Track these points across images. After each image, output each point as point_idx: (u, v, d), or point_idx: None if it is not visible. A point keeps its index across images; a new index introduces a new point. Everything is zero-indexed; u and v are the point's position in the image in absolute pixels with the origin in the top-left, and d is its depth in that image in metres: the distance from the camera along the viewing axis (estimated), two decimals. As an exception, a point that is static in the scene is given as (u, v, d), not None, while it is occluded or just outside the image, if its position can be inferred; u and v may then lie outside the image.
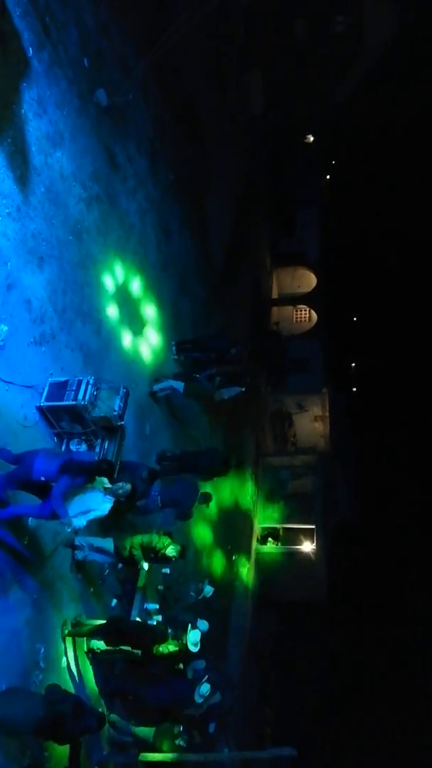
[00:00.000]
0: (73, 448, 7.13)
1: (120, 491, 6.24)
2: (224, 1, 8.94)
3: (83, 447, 7.15)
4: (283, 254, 29.26)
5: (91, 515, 6.04)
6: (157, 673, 8.19)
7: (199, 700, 8.64)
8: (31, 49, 7.15)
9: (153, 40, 9.61)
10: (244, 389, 11.90)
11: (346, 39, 22.98)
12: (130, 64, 10.16)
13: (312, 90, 24.58)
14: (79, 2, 8.49)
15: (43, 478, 5.59)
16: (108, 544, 7.50)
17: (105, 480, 6.65)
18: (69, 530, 6.55)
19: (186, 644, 8.02)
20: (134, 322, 10.07)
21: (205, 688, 8.55)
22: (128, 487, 6.37)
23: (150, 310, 10.68)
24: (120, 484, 6.27)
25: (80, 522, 6.06)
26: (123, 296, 9.62)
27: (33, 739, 5.99)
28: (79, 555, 7.43)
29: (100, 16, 9.19)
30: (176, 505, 8.95)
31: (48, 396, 6.84)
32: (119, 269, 9.50)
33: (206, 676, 8.71)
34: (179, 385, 10.65)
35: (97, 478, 6.15)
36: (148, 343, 10.56)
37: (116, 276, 9.36)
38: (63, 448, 7.14)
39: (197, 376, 10.88)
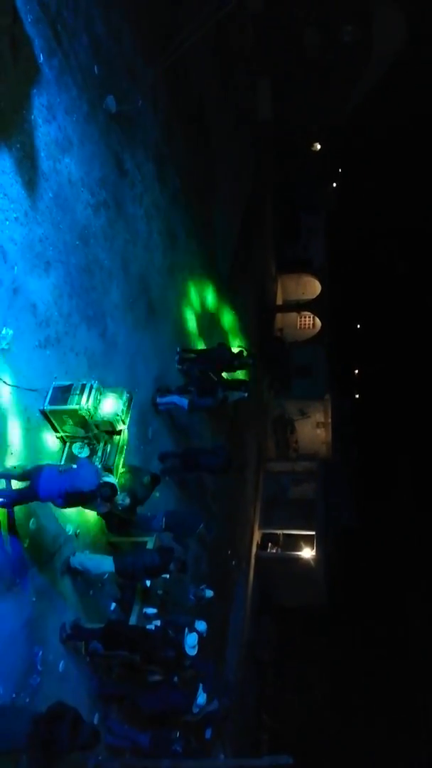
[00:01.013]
0: (75, 451, 7.17)
1: (119, 507, 6.30)
2: (235, 9, 9.00)
3: (86, 451, 7.19)
4: (288, 261, 29.33)
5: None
6: (155, 679, 8.17)
7: (195, 710, 8.63)
8: (42, 55, 7.23)
9: (163, 48, 9.69)
10: (246, 394, 11.93)
11: (354, 48, 23.08)
12: (139, 72, 10.24)
13: (320, 98, 24.67)
14: (90, 10, 8.57)
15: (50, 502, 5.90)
16: (107, 562, 7.46)
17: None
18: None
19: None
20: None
21: (201, 697, 8.54)
22: (128, 501, 6.43)
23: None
24: (121, 495, 6.32)
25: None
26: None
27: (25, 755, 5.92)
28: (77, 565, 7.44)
29: (111, 24, 9.27)
30: (178, 531, 8.97)
31: (51, 399, 6.88)
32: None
33: (202, 685, 8.70)
34: (183, 402, 10.64)
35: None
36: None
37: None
38: (65, 452, 7.17)
39: (199, 402, 10.84)
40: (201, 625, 8.54)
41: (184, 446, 11.73)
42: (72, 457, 7.14)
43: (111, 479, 6.41)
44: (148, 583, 8.17)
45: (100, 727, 7.51)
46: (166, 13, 11.50)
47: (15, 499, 5.98)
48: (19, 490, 5.98)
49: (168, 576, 8.80)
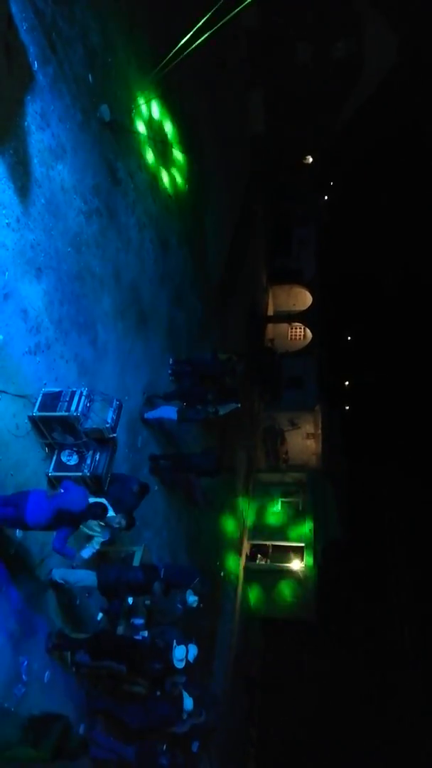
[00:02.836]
0: (64, 459, 7.12)
1: (116, 525, 6.35)
2: (229, 23, 9.11)
3: (74, 458, 7.14)
4: (280, 272, 29.55)
5: (95, 542, 6.44)
6: (138, 690, 8.07)
7: (184, 716, 8.54)
8: (36, 63, 7.25)
9: (158, 59, 9.76)
10: (239, 405, 11.92)
11: (346, 64, 23.43)
12: (134, 82, 10.31)
13: (312, 112, 24.98)
14: (85, 20, 8.63)
15: (37, 529, 5.85)
16: (90, 578, 7.36)
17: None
18: (76, 564, 6.84)
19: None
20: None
21: (189, 703, 8.44)
22: (125, 522, 6.51)
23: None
24: (117, 518, 6.38)
25: (87, 553, 6.66)
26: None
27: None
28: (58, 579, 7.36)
29: (106, 33, 9.33)
30: (174, 582, 8.94)
31: (41, 406, 6.83)
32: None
33: (188, 690, 8.61)
34: (172, 413, 10.60)
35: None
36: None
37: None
38: (54, 458, 7.12)
39: (189, 414, 10.83)
40: (193, 650, 8.45)
41: (174, 452, 11.73)
42: (60, 465, 7.09)
43: (101, 500, 6.44)
44: (130, 600, 8.09)
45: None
46: (162, 24, 11.60)
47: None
48: (3, 514, 5.85)
49: (151, 597, 8.73)
